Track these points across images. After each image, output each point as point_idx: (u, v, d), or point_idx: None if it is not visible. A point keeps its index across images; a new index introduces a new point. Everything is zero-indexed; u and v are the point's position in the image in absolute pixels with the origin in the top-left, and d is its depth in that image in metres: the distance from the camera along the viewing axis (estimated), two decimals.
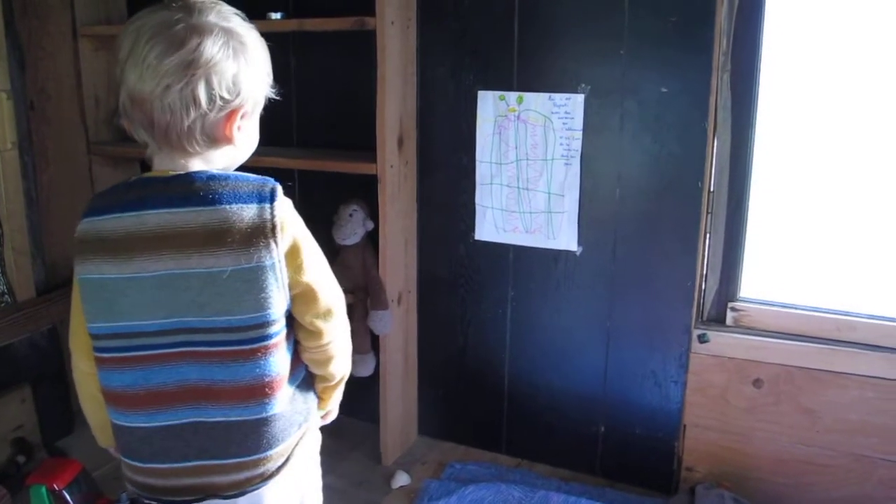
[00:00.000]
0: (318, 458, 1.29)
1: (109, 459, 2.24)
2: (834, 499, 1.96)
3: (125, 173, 2.62)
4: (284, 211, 1.08)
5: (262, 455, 1.12)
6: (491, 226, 2.17)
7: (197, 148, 1.08)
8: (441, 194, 2.24)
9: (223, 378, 1.07)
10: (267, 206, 1.06)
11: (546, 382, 2.22)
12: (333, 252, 2.22)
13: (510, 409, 2.30)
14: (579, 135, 2.01)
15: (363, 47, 2.08)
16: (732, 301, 2.04)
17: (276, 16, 2.14)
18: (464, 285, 2.27)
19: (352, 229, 2.16)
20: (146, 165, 2.66)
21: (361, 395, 2.12)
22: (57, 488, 1.86)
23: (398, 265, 2.20)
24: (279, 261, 1.06)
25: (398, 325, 2.22)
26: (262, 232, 1.04)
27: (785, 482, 2.00)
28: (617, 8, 1.92)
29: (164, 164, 1.09)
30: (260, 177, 1.10)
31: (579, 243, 2.08)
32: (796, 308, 1.98)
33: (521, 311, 2.21)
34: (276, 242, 1.05)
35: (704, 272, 2.02)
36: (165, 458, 1.12)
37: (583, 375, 2.17)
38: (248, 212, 1.05)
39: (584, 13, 1.97)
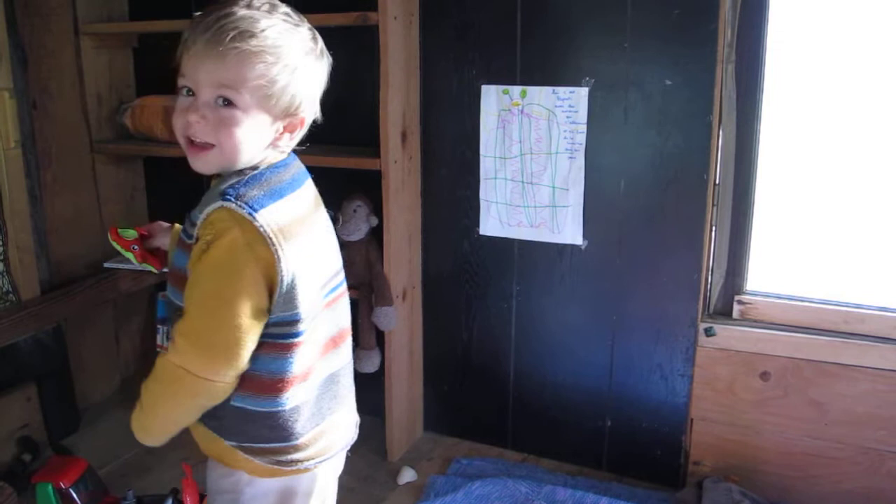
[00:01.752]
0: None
1: (115, 457, 2.26)
2: (842, 491, 1.95)
3: (128, 171, 2.62)
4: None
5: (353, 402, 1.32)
6: (495, 220, 2.16)
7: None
8: (445, 189, 2.23)
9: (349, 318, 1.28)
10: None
11: (552, 377, 2.22)
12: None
13: (516, 404, 2.29)
14: (583, 128, 2.00)
15: (366, 42, 2.08)
16: (739, 294, 2.03)
17: None
18: (468, 280, 2.26)
19: (356, 225, 2.15)
20: (149, 162, 2.64)
21: (366, 391, 2.11)
22: (63, 486, 1.86)
23: (402, 261, 2.20)
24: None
25: (403, 321, 2.22)
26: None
27: (793, 475, 2.00)
28: (620, 0, 1.91)
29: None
30: None
31: (584, 237, 2.08)
32: (804, 300, 1.97)
33: (526, 305, 2.21)
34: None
35: (710, 265, 2.01)
36: (336, 402, 1.25)
37: (589, 370, 2.16)
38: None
39: (587, 6, 1.96)
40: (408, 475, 2.17)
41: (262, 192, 1.08)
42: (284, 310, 1.09)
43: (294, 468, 1.18)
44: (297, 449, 1.17)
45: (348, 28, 2.05)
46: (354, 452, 2.30)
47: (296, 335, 1.11)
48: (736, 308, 2.03)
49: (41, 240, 2.29)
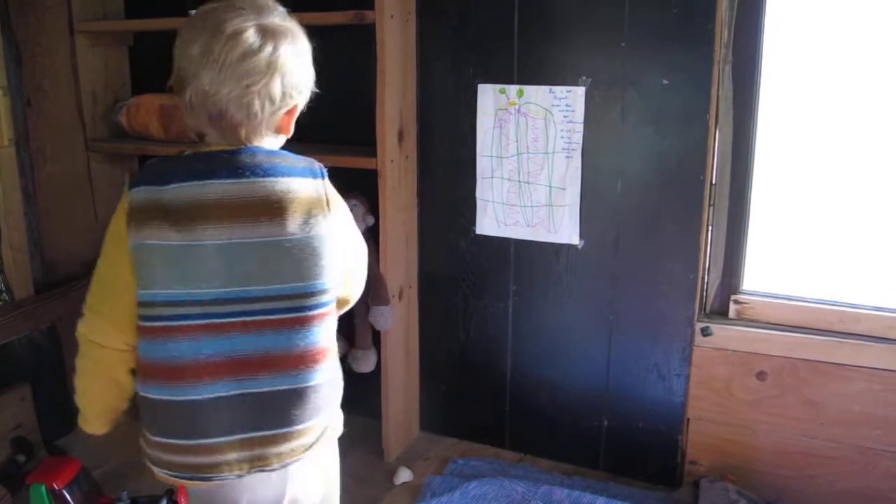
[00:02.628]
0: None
1: (110, 458, 2.24)
2: (838, 491, 1.95)
3: (123, 170, 2.61)
4: (330, 186, 1.17)
5: (305, 425, 1.16)
6: (492, 220, 2.16)
7: (258, 139, 1.15)
8: (442, 188, 2.22)
9: (277, 346, 1.11)
10: (319, 180, 1.15)
11: (548, 377, 2.22)
12: None
13: (512, 403, 2.29)
14: (580, 128, 2.00)
15: (363, 41, 2.07)
16: (735, 294, 2.03)
17: None
18: (465, 280, 2.26)
19: None
20: (143, 161, 2.63)
21: (363, 391, 2.11)
22: (57, 487, 1.84)
23: (399, 260, 2.19)
24: (332, 232, 1.13)
25: (399, 320, 2.21)
26: (320, 204, 1.13)
27: (789, 474, 2.00)
28: (617, 0, 1.91)
29: (221, 146, 1.15)
30: (302, 156, 1.18)
31: (581, 237, 2.07)
32: (800, 300, 1.97)
33: (522, 305, 2.20)
34: (329, 214, 1.13)
35: (707, 265, 2.01)
36: (213, 433, 1.12)
37: (585, 369, 2.16)
38: (307, 185, 1.13)
39: (584, 5, 1.96)
40: (404, 475, 2.17)
41: (147, 175, 1.13)
42: (139, 287, 1.11)
43: (149, 464, 1.20)
44: (149, 446, 1.18)
45: (345, 27, 2.05)
46: (351, 453, 2.31)
47: (147, 318, 1.11)
48: (732, 308, 2.03)
49: (35, 239, 2.28)
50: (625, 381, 2.12)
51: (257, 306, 1.10)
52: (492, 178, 2.13)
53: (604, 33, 1.94)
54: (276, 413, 1.13)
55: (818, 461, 1.96)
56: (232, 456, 1.13)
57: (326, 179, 1.16)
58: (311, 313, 1.13)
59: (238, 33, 1.08)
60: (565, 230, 2.07)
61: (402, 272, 2.22)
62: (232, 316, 1.09)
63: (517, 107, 2.06)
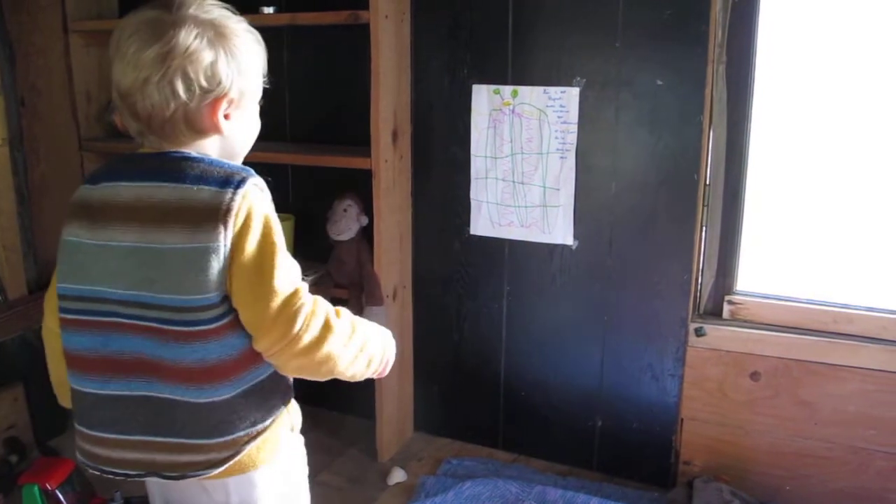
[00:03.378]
0: (295, 479, 1.25)
1: None
2: (831, 491, 1.96)
3: None
4: (247, 199, 1.06)
5: (203, 441, 1.10)
6: (486, 220, 2.16)
7: (182, 137, 1.10)
8: (436, 189, 2.22)
9: (168, 357, 1.07)
10: (229, 190, 1.05)
11: (542, 377, 2.22)
12: (328, 248, 2.21)
13: (506, 404, 2.29)
14: (574, 128, 2.00)
15: (357, 41, 2.07)
16: (729, 294, 2.03)
17: (268, 10, 2.12)
18: (459, 280, 2.26)
19: (346, 224, 2.14)
20: None
21: (357, 391, 2.10)
22: (50, 488, 1.85)
23: (393, 260, 2.19)
24: (225, 246, 1.04)
25: (393, 320, 2.21)
26: (214, 215, 1.04)
27: (783, 475, 2.00)
28: (611, 1, 1.91)
29: (150, 147, 1.13)
30: (240, 166, 1.10)
31: (575, 237, 2.08)
32: (793, 301, 1.98)
33: (516, 305, 2.20)
34: (225, 227, 1.04)
35: (701, 265, 2.01)
36: (112, 429, 1.12)
37: (579, 370, 2.16)
38: (205, 193, 1.05)
39: (578, 6, 1.96)
40: (398, 476, 2.17)
41: (90, 174, 1.16)
42: (56, 279, 1.16)
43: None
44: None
45: (339, 27, 2.05)
46: (344, 453, 2.31)
47: (60, 309, 1.14)
48: (726, 308, 2.03)
49: (29, 239, 2.28)
50: (619, 382, 2.12)
51: (150, 313, 1.07)
52: (486, 178, 2.13)
53: (598, 34, 1.95)
54: (174, 421, 1.10)
55: (812, 461, 1.97)
56: (130, 455, 1.13)
57: (242, 191, 1.05)
58: (194, 329, 1.06)
59: (141, 26, 1.06)
60: (559, 231, 2.08)
61: (397, 272, 2.22)
62: (133, 318, 1.08)
63: (511, 107, 2.06)
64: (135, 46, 1.05)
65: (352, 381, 1.19)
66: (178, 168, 1.08)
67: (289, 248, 2.42)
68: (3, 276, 2.19)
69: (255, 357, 1.10)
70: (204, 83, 1.07)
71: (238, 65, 1.10)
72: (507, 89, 2.06)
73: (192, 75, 1.06)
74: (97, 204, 1.10)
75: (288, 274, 1.10)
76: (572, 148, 2.02)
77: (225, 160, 1.11)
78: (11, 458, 2.17)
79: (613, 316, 2.09)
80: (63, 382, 1.21)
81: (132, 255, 1.06)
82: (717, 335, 1.99)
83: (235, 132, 1.14)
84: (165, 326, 1.06)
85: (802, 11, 1.89)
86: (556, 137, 2.02)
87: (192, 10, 1.08)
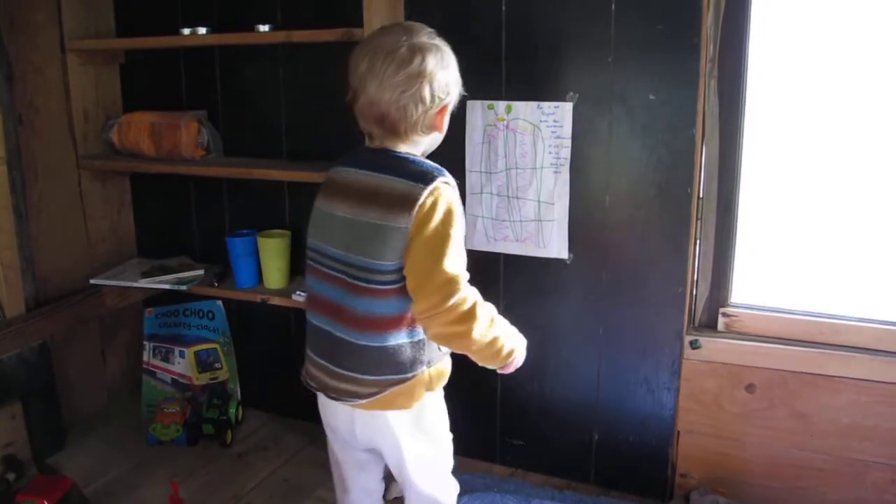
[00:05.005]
0: (426, 426, 1.55)
1: (101, 475, 2.24)
2: (828, 502, 1.96)
3: (114, 187, 2.62)
4: (434, 194, 1.37)
5: (356, 375, 1.44)
6: (481, 235, 2.17)
7: (415, 137, 1.45)
8: None
9: (347, 304, 1.42)
10: (420, 185, 1.36)
11: (538, 391, 2.22)
12: None
13: (503, 418, 2.29)
14: (568, 143, 2.02)
15: None
16: (724, 306, 2.04)
17: (264, 28, 2.15)
18: None
19: None
20: (135, 178, 2.64)
21: None
22: None
23: None
24: (407, 227, 1.35)
25: None
26: (405, 202, 1.36)
27: (779, 486, 2.00)
28: (604, 16, 1.93)
29: (377, 144, 1.48)
30: (435, 167, 1.42)
31: (570, 251, 2.09)
32: (788, 313, 1.99)
33: (512, 319, 2.18)
34: (410, 213, 1.35)
35: (695, 278, 2.02)
36: (313, 351, 1.52)
37: (575, 383, 2.17)
38: (403, 185, 1.38)
39: (571, 22, 1.97)
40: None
41: (341, 157, 1.56)
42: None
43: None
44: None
45: (333, 44, 2.06)
46: None
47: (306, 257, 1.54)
48: (721, 321, 2.04)
49: (27, 256, 2.28)
50: (615, 395, 2.13)
51: (345, 269, 1.42)
52: (481, 193, 2.14)
53: (591, 49, 1.96)
54: (339, 355, 1.45)
55: (808, 473, 1.97)
56: (314, 372, 1.52)
57: (431, 187, 1.37)
58: (367, 285, 1.39)
59: (393, 51, 1.39)
60: (554, 245, 2.09)
61: None
62: (338, 272, 1.43)
63: (505, 122, 2.07)
64: (391, 69, 1.38)
65: (479, 363, 1.51)
66: (391, 164, 1.42)
67: (285, 264, 2.42)
68: (1, 294, 2.19)
69: (409, 320, 1.41)
70: (441, 94, 1.43)
71: (456, 80, 1.48)
72: (501, 104, 2.08)
73: (435, 90, 1.41)
74: (332, 181, 1.50)
75: (454, 260, 1.37)
76: (566, 162, 2.03)
77: (426, 160, 1.45)
78: (9, 476, 2.16)
79: (609, 329, 2.10)
80: None
81: (343, 223, 1.43)
82: (713, 347, 2.00)
83: (445, 129, 1.51)
84: (351, 280, 1.41)
85: (793, 25, 1.91)
86: (550, 152, 2.04)
87: (425, 38, 1.43)
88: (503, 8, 2.04)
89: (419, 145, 1.49)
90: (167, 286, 2.38)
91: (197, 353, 2.64)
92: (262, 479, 2.26)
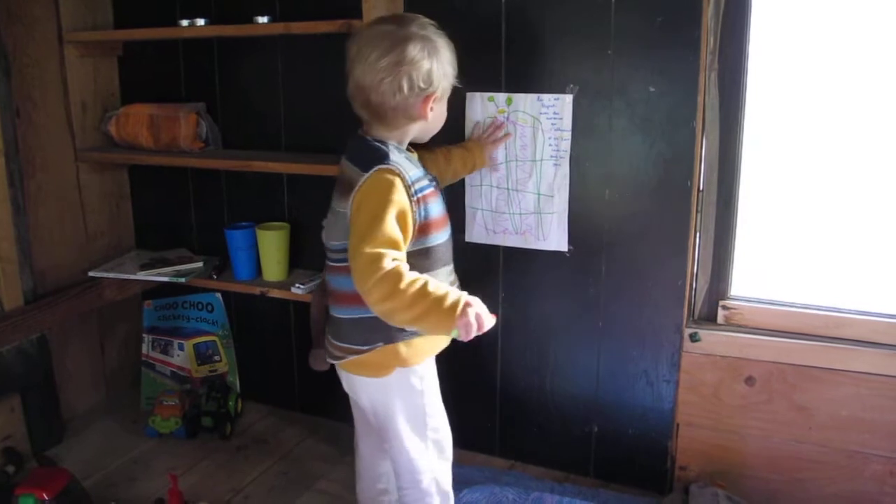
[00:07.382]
0: (405, 407, 1.66)
1: (100, 468, 2.24)
2: (827, 495, 1.96)
3: (113, 179, 2.61)
4: (370, 181, 1.47)
5: (331, 339, 1.64)
6: (481, 228, 2.17)
7: (397, 122, 1.53)
8: None
9: (328, 281, 1.65)
10: (364, 173, 1.48)
11: (538, 383, 2.22)
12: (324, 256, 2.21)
13: (502, 410, 2.30)
14: (568, 135, 2.01)
15: None
16: (723, 299, 2.04)
17: (262, 19, 2.14)
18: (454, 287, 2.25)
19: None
20: (134, 170, 2.63)
21: None
22: (46, 498, 1.85)
23: None
24: (346, 211, 1.49)
25: None
26: (351, 189, 1.49)
27: (778, 479, 2.01)
28: (604, 8, 1.92)
29: (366, 129, 1.58)
30: (384, 155, 1.50)
31: (569, 244, 2.08)
32: (787, 305, 1.99)
33: (511, 312, 2.21)
34: (352, 198, 1.48)
35: (695, 271, 2.02)
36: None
37: (575, 376, 2.17)
38: (353, 172, 1.51)
39: (571, 14, 1.97)
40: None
41: None
42: None
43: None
44: None
45: (333, 35, 2.06)
46: (343, 461, 2.30)
47: None
48: (720, 313, 2.04)
49: (25, 249, 2.28)
50: (614, 388, 2.13)
51: (326, 251, 1.62)
52: (481, 185, 2.14)
53: (591, 42, 1.96)
54: (328, 323, 1.67)
55: (807, 465, 1.97)
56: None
57: (369, 174, 1.47)
58: (333, 264, 1.59)
59: (380, 38, 1.47)
60: (554, 237, 2.08)
61: None
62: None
63: (506, 115, 2.07)
64: (375, 55, 1.45)
65: (431, 334, 1.60)
66: (357, 151, 1.54)
67: (284, 256, 2.42)
68: (0, 287, 2.19)
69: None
70: (422, 85, 1.49)
71: (443, 70, 1.53)
72: (501, 97, 2.07)
73: (414, 79, 1.47)
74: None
75: (376, 241, 1.42)
76: (566, 155, 2.02)
77: (385, 147, 1.52)
78: (8, 469, 2.17)
79: (608, 322, 2.10)
80: None
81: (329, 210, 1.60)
82: (712, 340, 2.00)
83: (434, 118, 1.57)
84: (327, 261, 1.62)
85: (794, 17, 1.90)
86: (550, 145, 2.03)
87: (414, 28, 1.49)
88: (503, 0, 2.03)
89: (407, 132, 1.57)
90: (166, 278, 2.38)
91: (196, 346, 2.64)
92: (262, 472, 2.26)
